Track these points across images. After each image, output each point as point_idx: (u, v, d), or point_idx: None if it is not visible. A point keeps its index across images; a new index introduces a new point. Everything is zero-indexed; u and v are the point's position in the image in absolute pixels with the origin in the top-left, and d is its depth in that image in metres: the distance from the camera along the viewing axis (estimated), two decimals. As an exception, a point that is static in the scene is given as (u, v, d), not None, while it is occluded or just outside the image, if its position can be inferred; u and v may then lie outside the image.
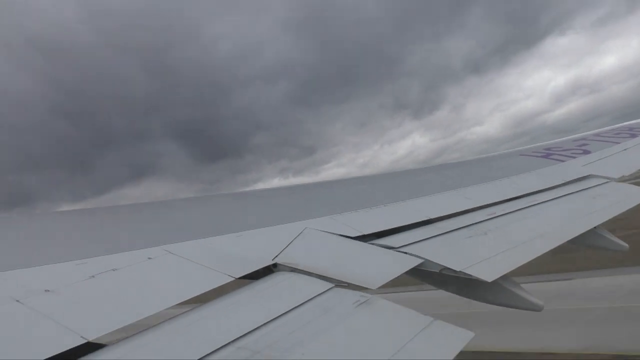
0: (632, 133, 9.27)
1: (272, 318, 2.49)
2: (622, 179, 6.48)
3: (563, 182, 6.04)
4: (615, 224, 5.06)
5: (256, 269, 3.02)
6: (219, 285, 2.78)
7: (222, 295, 2.74)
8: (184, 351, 2.15)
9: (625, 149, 8.15)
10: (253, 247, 3.37)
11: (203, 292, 2.67)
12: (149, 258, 2.93)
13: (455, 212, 4.61)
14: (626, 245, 5.07)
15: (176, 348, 2.19)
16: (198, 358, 2.08)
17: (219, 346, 2.18)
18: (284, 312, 2.57)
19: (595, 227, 4.76)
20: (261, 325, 2.41)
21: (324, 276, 3.10)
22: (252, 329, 2.36)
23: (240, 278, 2.91)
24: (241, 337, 2.28)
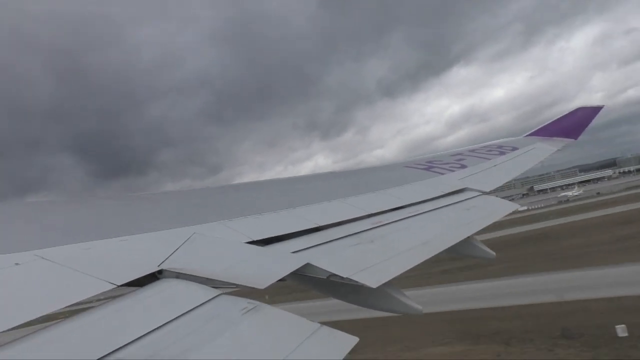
0: (500, 151, 10.34)
1: (155, 327, 2.37)
2: (492, 192, 7.14)
3: (442, 193, 6.48)
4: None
5: (140, 275, 2.86)
6: (98, 293, 2.60)
7: (100, 304, 2.57)
8: None
9: (495, 165, 9.06)
10: (137, 253, 3.19)
11: (79, 300, 2.47)
12: (16, 264, 2.66)
13: (343, 220, 4.74)
14: (493, 253, 5.57)
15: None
16: None
17: (97, 357, 2.04)
18: (168, 320, 2.45)
19: (469, 237, 5.16)
20: (143, 335, 2.28)
21: (211, 279, 3.03)
22: (132, 339, 2.23)
23: (122, 285, 2.75)
24: (120, 348, 2.15)
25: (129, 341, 2.21)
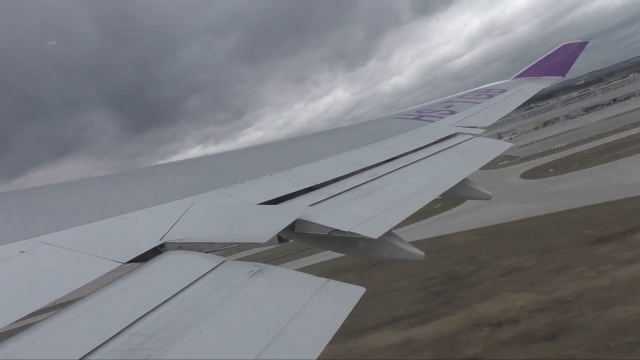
0: (489, 94, 10.36)
1: (164, 300, 2.40)
2: (484, 134, 7.16)
3: (434, 140, 6.50)
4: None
5: (144, 251, 2.89)
6: (106, 272, 2.63)
7: (110, 282, 2.60)
8: (73, 345, 2.02)
9: (485, 108, 9.07)
10: (139, 229, 3.22)
11: (89, 281, 2.50)
12: (22, 252, 2.68)
13: (339, 176, 4.76)
14: (490, 193, 5.63)
15: (64, 343, 2.05)
16: (90, 350, 1.96)
17: (110, 336, 2.07)
18: (176, 292, 2.49)
19: (464, 179, 5.21)
20: (153, 309, 2.32)
21: (213, 243, 3.07)
22: (143, 313, 2.27)
23: (128, 262, 2.78)
24: (133, 323, 2.18)
25: (141, 316, 2.25)
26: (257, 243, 3.16)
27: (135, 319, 2.22)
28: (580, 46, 13.60)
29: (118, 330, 2.12)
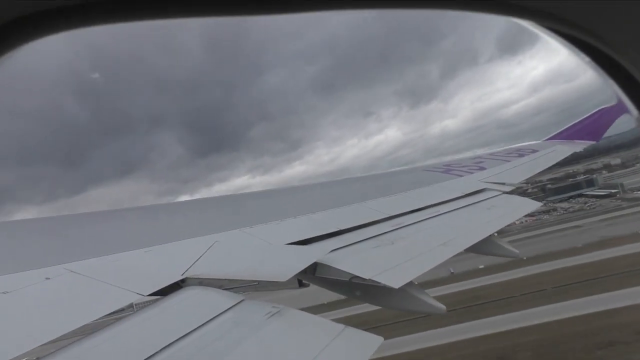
0: (520, 153, 10.30)
1: (182, 335, 2.41)
2: (512, 192, 7.06)
3: (462, 194, 6.44)
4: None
5: (165, 285, 2.92)
6: (127, 304, 2.67)
7: (131, 314, 2.62)
8: None
9: (514, 167, 8.99)
10: (162, 263, 3.26)
11: (110, 311, 2.54)
12: (47, 278, 2.73)
13: (363, 223, 4.75)
14: (517, 252, 5.51)
15: None
16: None
17: None
18: (194, 328, 2.50)
19: (490, 236, 5.12)
20: (173, 342, 2.33)
21: (233, 280, 3.08)
22: (163, 346, 2.28)
23: (150, 295, 2.81)
24: (152, 356, 2.19)
25: (158, 349, 2.25)
26: (277, 282, 3.15)
27: (153, 353, 2.22)
28: (618, 111, 13.17)
29: None
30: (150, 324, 2.55)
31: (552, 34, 1.24)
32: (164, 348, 2.28)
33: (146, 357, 2.18)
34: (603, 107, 13.48)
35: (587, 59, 1.31)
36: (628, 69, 1.24)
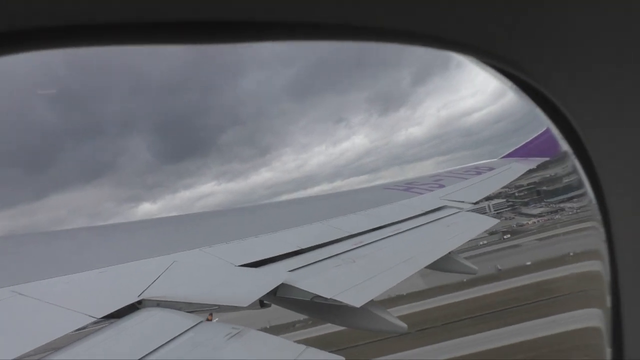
0: (477, 171, 10.61)
1: (140, 357, 2.34)
2: (471, 209, 7.23)
3: (422, 212, 6.54)
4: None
5: (120, 306, 2.83)
6: (78, 327, 2.57)
7: (81, 338, 2.52)
8: None
9: (472, 184, 9.23)
10: (117, 284, 3.16)
11: (59, 336, 2.44)
12: None
13: (325, 242, 4.75)
14: (476, 268, 5.60)
15: None
16: None
17: None
18: (153, 349, 2.43)
19: (449, 253, 5.20)
20: None
21: (192, 303, 3.00)
22: None
23: (103, 318, 2.71)
24: None
25: None
26: (238, 307, 3.11)
27: None
28: None
29: None
30: (104, 346, 2.46)
31: (484, 66, 1.31)
32: None
33: None
34: None
35: (518, 89, 1.38)
36: (553, 101, 1.32)
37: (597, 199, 1.48)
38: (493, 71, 1.32)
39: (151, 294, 3.02)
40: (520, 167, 11.77)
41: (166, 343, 2.51)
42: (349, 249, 4.67)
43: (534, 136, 14.19)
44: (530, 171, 12.27)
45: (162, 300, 2.97)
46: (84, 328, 2.61)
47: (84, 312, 2.65)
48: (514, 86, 1.36)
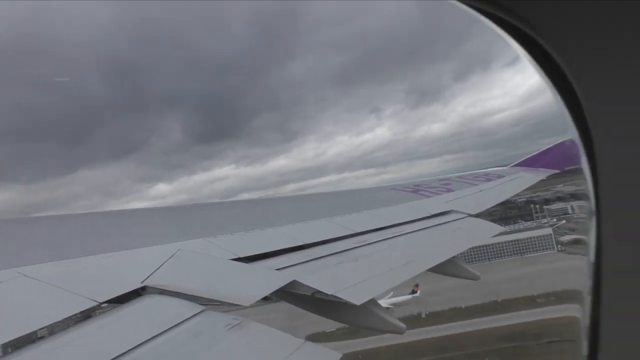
0: (487, 178, 10.56)
1: (140, 342, 2.37)
2: (478, 215, 7.20)
3: (428, 215, 6.54)
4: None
5: (123, 292, 2.87)
6: (80, 310, 2.61)
7: (84, 321, 2.57)
8: None
9: (481, 190, 9.18)
10: (121, 270, 3.20)
11: (62, 318, 2.48)
12: None
13: (328, 238, 4.77)
14: (479, 274, 5.60)
15: None
16: None
17: None
18: (151, 336, 2.46)
19: (453, 257, 5.20)
20: (127, 351, 2.28)
21: (195, 296, 3.03)
22: (117, 355, 2.23)
23: (104, 302, 2.75)
24: None
25: (114, 357, 2.20)
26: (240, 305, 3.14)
27: None
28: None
29: None
30: (105, 331, 2.50)
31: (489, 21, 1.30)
32: (118, 356, 2.23)
33: None
34: (567, 139, 14.07)
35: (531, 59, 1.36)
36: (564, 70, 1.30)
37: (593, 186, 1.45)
38: (503, 33, 1.30)
39: (154, 281, 3.06)
40: (529, 177, 11.73)
41: (166, 330, 2.54)
42: (352, 247, 4.68)
43: (544, 148, 14.16)
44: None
45: (165, 289, 3.00)
46: (86, 311, 2.66)
47: (86, 296, 2.69)
48: (527, 55, 1.33)
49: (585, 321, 1.62)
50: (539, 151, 14.04)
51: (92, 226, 4.35)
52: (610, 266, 1.50)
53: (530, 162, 13.35)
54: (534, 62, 1.38)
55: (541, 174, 12.44)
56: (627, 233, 1.46)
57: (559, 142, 14.08)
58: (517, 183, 10.67)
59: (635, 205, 1.40)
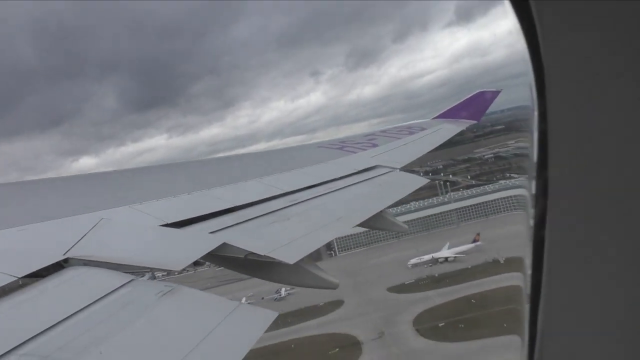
0: (410, 131, 10.87)
1: (62, 318, 2.26)
2: (403, 169, 7.44)
3: (355, 171, 6.66)
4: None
5: (44, 265, 2.71)
6: None
7: (1, 298, 2.41)
8: None
9: (405, 144, 9.47)
10: (40, 242, 3.02)
11: None
12: None
13: (259, 199, 4.74)
14: (406, 227, 5.83)
15: None
16: None
17: None
18: (76, 310, 2.36)
19: (381, 211, 5.36)
20: (50, 327, 2.18)
21: (123, 265, 2.94)
22: (38, 332, 2.12)
23: (25, 277, 2.60)
24: (25, 342, 2.04)
25: (34, 334, 2.10)
26: (171, 270, 3.08)
27: (27, 338, 2.07)
28: (494, 94, 14.83)
29: (6, 350, 1.97)
30: (24, 307, 2.37)
31: None
32: (41, 332, 2.13)
33: (19, 342, 2.03)
34: (483, 90, 14.82)
35: None
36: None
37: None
38: None
39: (77, 252, 2.92)
40: (452, 127, 12.21)
41: (94, 302, 2.45)
42: (283, 206, 4.69)
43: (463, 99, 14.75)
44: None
45: (90, 260, 2.87)
46: (4, 287, 2.50)
47: (3, 272, 2.52)
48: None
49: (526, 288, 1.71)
50: (459, 102, 14.62)
51: (7, 197, 4.05)
52: (551, 238, 1.57)
53: (451, 114, 13.88)
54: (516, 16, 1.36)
55: (462, 125, 13.01)
56: (566, 205, 1.52)
57: (474, 93, 14.72)
58: (440, 135, 11.07)
59: (577, 173, 1.46)
